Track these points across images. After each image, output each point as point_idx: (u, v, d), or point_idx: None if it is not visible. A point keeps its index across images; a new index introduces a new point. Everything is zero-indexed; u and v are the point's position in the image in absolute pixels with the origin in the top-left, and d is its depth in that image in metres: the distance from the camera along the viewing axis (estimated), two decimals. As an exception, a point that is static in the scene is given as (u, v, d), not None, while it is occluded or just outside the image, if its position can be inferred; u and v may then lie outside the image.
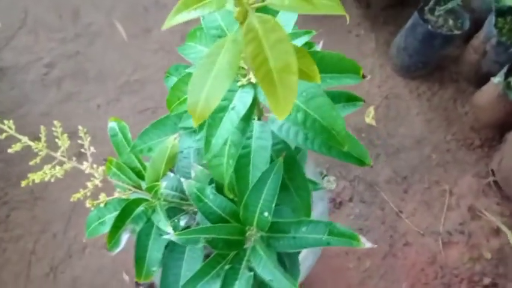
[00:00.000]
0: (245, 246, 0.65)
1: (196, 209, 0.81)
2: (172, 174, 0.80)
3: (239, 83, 0.54)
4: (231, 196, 0.62)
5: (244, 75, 0.54)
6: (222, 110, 0.53)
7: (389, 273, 1.51)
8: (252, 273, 0.63)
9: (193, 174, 0.80)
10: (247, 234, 0.65)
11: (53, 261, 1.40)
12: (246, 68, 0.54)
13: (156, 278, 0.79)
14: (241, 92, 0.54)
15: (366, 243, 0.60)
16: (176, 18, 0.38)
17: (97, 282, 1.39)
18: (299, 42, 0.55)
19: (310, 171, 1.14)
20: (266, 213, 0.62)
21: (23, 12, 1.73)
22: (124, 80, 1.67)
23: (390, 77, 1.80)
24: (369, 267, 1.51)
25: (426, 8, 1.59)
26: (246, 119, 0.55)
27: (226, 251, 0.64)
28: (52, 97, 1.61)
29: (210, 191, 0.65)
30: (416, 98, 1.77)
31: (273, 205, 0.61)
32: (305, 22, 1.84)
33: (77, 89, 1.63)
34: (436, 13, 1.58)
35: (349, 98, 0.69)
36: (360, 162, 0.65)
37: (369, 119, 1.73)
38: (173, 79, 0.78)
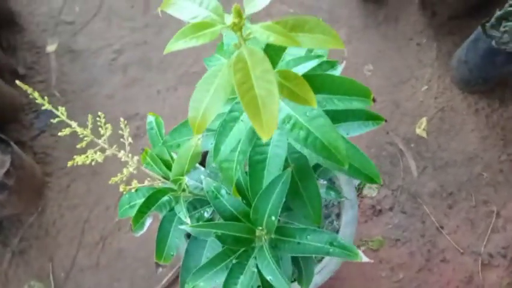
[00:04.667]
0: (254, 245, 0.70)
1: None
2: (202, 168, 0.86)
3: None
4: (239, 197, 0.67)
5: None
6: (232, 120, 0.59)
7: (422, 287, 1.50)
8: (256, 270, 0.68)
9: (203, 179, 0.85)
10: (257, 234, 0.70)
11: (104, 231, 1.53)
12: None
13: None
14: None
15: (363, 258, 0.63)
16: (176, 45, 0.43)
17: (140, 256, 1.50)
18: (309, 65, 0.59)
19: (343, 179, 1.16)
20: (273, 217, 0.67)
21: (98, 0, 1.87)
22: (183, 70, 1.76)
23: (448, 89, 1.76)
24: (402, 279, 1.51)
25: (488, 24, 1.53)
26: (253, 131, 0.60)
27: (234, 247, 0.69)
28: (118, 81, 1.73)
29: (225, 190, 0.70)
30: (473, 114, 1.72)
31: (279, 211, 0.66)
32: (366, 27, 1.84)
33: (141, 75, 1.74)
34: (501, 29, 1.52)
35: (368, 117, 0.72)
36: (370, 179, 0.67)
37: (420, 130, 1.71)
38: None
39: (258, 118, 0.42)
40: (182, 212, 0.74)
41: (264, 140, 0.42)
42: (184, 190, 0.78)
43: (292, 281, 0.90)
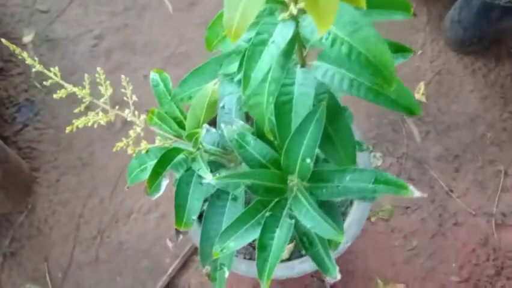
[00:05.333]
0: (286, 195, 0.63)
1: (237, 163, 0.79)
2: (213, 130, 0.79)
3: (280, 17, 0.52)
4: (272, 138, 0.60)
5: (285, 9, 0.52)
6: (261, 43, 0.51)
7: (437, 253, 1.45)
8: (293, 221, 0.61)
9: (224, 132, 0.78)
10: (288, 182, 0.63)
11: (100, 225, 1.44)
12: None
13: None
14: (282, 26, 0.52)
15: (415, 192, 0.57)
16: None
17: (141, 247, 1.42)
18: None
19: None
20: (308, 160, 0.60)
21: (74, -14, 1.77)
22: (169, 52, 1.68)
23: (443, 51, 1.72)
24: (417, 246, 1.46)
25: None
26: (286, 54, 0.53)
27: (267, 197, 0.62)
28: (101, 67, 1.63)
29: (250, 137, 0.63)
30: (471, 74, 1.68)
31: (315, 151, 0.59)
32: None
33: (125, 59, 1.65)
34: (495, -18, 1.49)
35: (397, 49, 0.66)
36: (409, 111, 0.61)
37: (419, 95, 1.66)
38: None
39: (315, 4, 0.35)
40: (202, 168, 0.67)
41: (320, 33, 0.36)
42: (199, 148, 0.70)
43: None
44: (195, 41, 1.70)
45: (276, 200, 0.63)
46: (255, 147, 0.63)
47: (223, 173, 0.79)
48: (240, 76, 0.59)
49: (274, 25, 0.52)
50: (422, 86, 1.67)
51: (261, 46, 0.51)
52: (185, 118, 0.73)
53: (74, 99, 1.56)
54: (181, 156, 0.69)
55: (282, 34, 0.51)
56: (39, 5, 1.74)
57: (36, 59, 0.70)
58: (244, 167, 0.76)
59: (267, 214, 0.62)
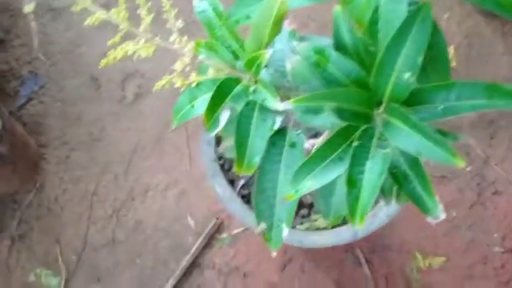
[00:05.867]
0: (375, 121, 0.53)
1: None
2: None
3: None
4: (369, 42, 0.49)
5: None
6: None
7: (477, 224, 1.36)
8: (388, 150, 0.51)
9: (288, 67, 0.68)
10: (376, 106, 0.53)
11: (115, 203, 1.32)
12: None
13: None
14: None
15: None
16: None
17: (161, 226, 1.31)
18: None
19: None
20: (407, 74, 0.49)
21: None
22: (182, 20, 1.56)
23: (470, 15, 1.63)
24: (456, 217, 1.36)
25: None
26: None
27: (355, 123, 0.51)
28: (109, 38, 1.52)
29: (331, 51, 0.52)
30: (501, 37, 1.59)
31: (419, 60, 0.48)
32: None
33: (136, 29, 1.53)
34: None
35: None
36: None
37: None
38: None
39: None
40: (268, 98, 0.56)
41: None
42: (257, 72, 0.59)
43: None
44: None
45: (363, 128, 0.52)
46: (337, 63, 0.52)
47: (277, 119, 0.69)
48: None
49: None
50: (452, 49, 1.57)
51: None
52: (241, 46, 0.62)
53: (81, 71, 1.46)
54: (239, 87, 0.58)
55: None
56: (38, -28, 1.62)
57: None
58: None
59: (355, 144, 0.51)
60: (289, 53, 0.66)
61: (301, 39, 0.65)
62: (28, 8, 1.55)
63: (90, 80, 1.46)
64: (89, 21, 0.61)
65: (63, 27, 1.53)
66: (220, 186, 0.98)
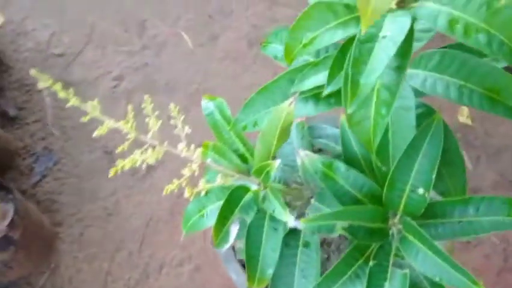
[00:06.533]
0: (390, 237, 0.50)
1: (305, 200, 0.67)
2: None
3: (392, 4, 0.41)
4: (381, 165, 0.48)
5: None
6: (369, 39, 0.40)
7: (506, 291, 1.29)
8: (406, 271, 0.48)
9: (299, 162, 0.67)
10: (390, 221, 0.50)
11: (130, 282, 1.29)
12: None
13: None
14: (393, 17, 0.41)
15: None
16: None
17: (176, 305, 1.27)
18: None
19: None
20: (421, 190, 0.47)
21: (89, 28, 1.69)
22: (193, 89, 1.58)
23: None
24: (483, 285, 1.30)
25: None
26: (404, 53, 0.41)
27: (368, 241, 0.49)
28: (123, 110, 1.53)
29: (340, 164, 0.51)
30: (516, 92, 1.57)
31: (432, 177, 0.46)
32: None
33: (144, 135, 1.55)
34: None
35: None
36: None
37: (464, 117, 1.54)
38: (275, 46, 0.66)
39: None
40: (277, 209, 0.54)
41: (363, 30, 0.25)
42: (269, 186, 0.58)
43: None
44: (219, 75, 1.60)
45: (379, 244, 0.50)
46: (348, 177, 0.50)
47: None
48: (331, 88, 0.47)
49: (382, 16, 0.41)
50: (465, 108, 1.55)
51: (370, 43, 0.40)
52: (248, 150, 0.61)
53: (96, 146, 1.46)
54: (249, 195, 0.56)
55: (396, 26, 0.39)
56: (53, 48, 1.66)
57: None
58: (316, 205, 0.63)
59: (371, 264, 0.49)
60: (299, 148, 0.65)
61: (310, 129, 0.64)
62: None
63: (104, 154, 1.47)
64: (97, 132, 0.60)
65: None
66: (234, 272, 0.95)
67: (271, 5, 1.73)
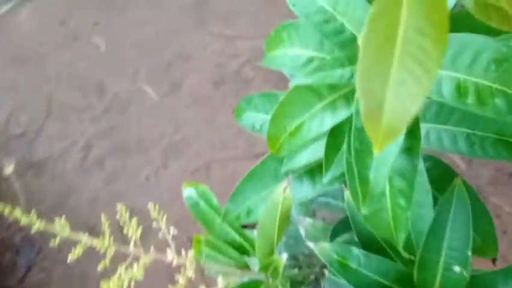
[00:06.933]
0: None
1: (312, 278, 0.61)
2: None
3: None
4: (407, 256, 0.41)
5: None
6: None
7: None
8: None
9: (303, 233, 0.60)
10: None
11: None
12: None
13: None
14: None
15: None
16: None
17: None
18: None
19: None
20: (457, 268, 0.41)
21: (46, 100, 1.61)
22: (166, 143, 1.51)
23: None
24: None
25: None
26: (412, 132, 0.35)
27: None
28: (97, 180, 1.45)
29: (357, 251, 0.44)
30: None
31: (468, 252, 0.40)
32: None
33: (120, 164, 1.47)
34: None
35: None
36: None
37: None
38: (250, 115, 0.59)
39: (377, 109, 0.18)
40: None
41: (376, 151, 0.18)
42: (275, 276, 0.51)
43: None
44: (191, 123, 1.53)
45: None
46: (369, 264, 0.44)
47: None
48: (331, 175, 0.41)
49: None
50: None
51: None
52: (246, 239, 0.54)
53: (75, 224, 1.37)
54: (261, 295, 0.49)
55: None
56: (13, 129, 1.57)
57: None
58: (331, 277, 0.57)
59: None
60: (301, 220, 0.59)
61: (314, 213, 0.58)
62: (8, 169, 1.49)
63: (87, 230, 1.37)
64: (71, 256, 0.52)
65: (47, 181, 1.46)
66: None
67: (228, 40, 1.68)
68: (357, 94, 0.21)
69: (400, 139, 0.33)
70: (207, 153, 1.48)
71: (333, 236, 0.59)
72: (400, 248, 0.37)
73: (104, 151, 1.50)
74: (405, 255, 0.41)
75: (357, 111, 0.34)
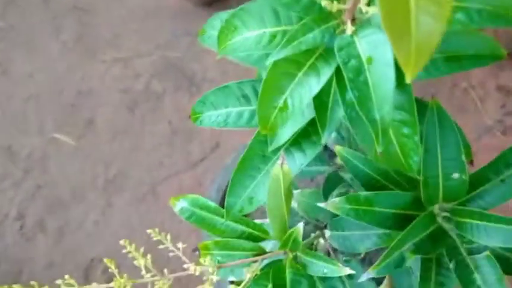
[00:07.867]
0: (448, 232, 0.48)
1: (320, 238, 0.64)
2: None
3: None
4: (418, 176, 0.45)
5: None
6: (355, 73, 0.37)
7: None
8: (486, 253, 0.46)
9: (295, 205, 0.63)
10: (439, 217, 0.48)
11: None
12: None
13: None
14: (363, 37, 0.38)
15: None
16: None
17: None
18: None
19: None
20: (456, 175, 0.46)
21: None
22: (102, 182, 1.45)
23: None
24: None
25: None
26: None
27: (434, 248, 0.47)
28: (44, 244, 1.37)
29: (365, 194, 0.47)
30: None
31: (463, 157, 0.45)
32: None
33: (63, 220, 1.40)
34: None
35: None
36: None
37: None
38: (210, 114, 0.60)
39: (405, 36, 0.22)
40: (327, 266, 0.49)
41: (408, 80, 0.23)
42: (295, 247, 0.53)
43: None
44: (119, 156, 1.49)
45: (446, 246, 0.47)
46: (380, 202, 0.47)
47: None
48: (326, 136, 0.43)
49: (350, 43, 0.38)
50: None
51: (358, 76, 0.37)
52: (254, 227, 0.56)
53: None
54: (290, 271, 0.51)
55: (373, 45, 0.37)
56: None
57: None
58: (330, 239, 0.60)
59: (452, 266, 0.46)
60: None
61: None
62: None
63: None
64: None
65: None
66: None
67: (125, 63, 1.64)
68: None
69: (392, 74, 0.36)
70: (147, 178, 1.45)
71: (326, 194, 0.62)
72: (415, 173, 0.40)
73: (40, 214, 1.42)
74: (418, 177, 0.45)
75: (345, 64, 0.37)
